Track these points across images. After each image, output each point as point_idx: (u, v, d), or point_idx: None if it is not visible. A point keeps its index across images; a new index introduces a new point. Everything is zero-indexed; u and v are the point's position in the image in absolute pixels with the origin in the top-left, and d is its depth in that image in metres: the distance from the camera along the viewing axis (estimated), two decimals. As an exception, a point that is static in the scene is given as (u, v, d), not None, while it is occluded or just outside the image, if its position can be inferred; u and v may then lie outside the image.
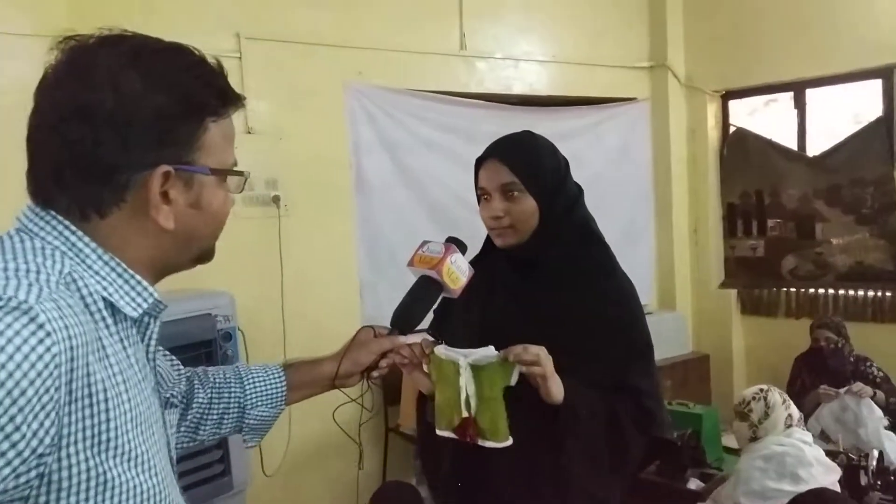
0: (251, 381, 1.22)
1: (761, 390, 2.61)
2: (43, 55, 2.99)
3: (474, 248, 1.70)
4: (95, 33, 0.83)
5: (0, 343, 0.66)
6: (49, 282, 0.74)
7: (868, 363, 3.71)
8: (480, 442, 1.30)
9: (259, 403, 1.21)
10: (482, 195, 1.49)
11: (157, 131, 0.80)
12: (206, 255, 0.92)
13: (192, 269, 0.93)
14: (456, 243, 1.32)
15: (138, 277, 0.82)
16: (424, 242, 1.33)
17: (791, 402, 2.61)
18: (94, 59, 0.80)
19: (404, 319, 1.28)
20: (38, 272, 0.74)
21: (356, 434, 3.55)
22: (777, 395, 2.58)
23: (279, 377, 1.24)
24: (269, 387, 1.23)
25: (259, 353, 3.11)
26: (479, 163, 1.50)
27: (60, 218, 0.80)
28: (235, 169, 0.90)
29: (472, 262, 1.61)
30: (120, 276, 0.81)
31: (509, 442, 1.28)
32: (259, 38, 3.34)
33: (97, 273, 0.79)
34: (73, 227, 0.80)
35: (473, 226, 1.59)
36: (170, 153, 0.81)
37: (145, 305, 0.83)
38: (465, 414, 1.30)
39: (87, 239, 0.80)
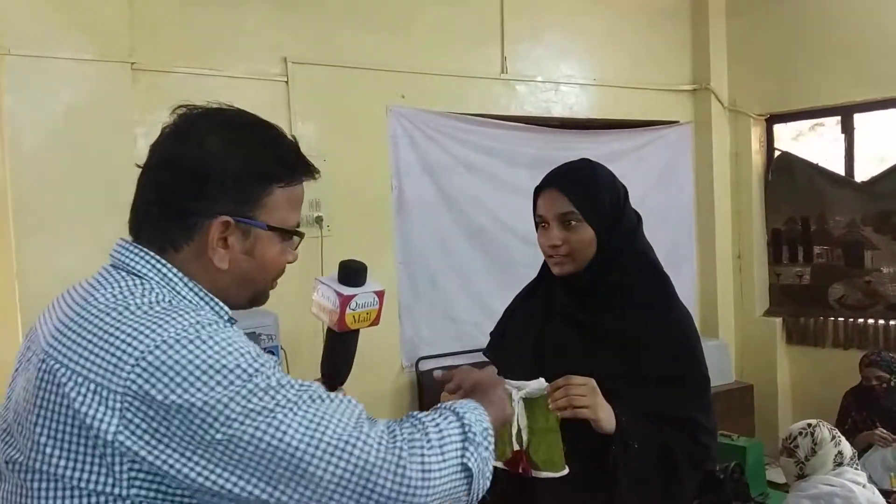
0: None
1: (809, 425, 2.53)
2: (106, 80, 3.10)
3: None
4: (204, 105, 1.02)
5: (234, 343, 0.88)
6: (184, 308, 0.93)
7: None
8: (535, 473, 1.30)
9: None
10: (540, 223, 1.50)
11: (227, 188, 0.96)
12: (259, 298, 1.06)
13: None
14: (349, 274, 1.20)
15: (217, 299, 0.99)
16: (318, 282, 1.22)
17: (842, 439, 2.51)
18: (192, 123, 0.99)
19: (336, 378, 1.24)
20: (161, 304, 0.92)
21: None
22: (826, 431, 2.50)
23: None
24: None
25: (300, 373, 3.11)
26: (538, 191, 1.51)
27: (150, 251, 0.97)
28: (292, 229, 1.03)
29: (530, 289, 1.61)
30: (202, 299, 0.98)
31: (565, 471, 1.28)
32: (305, 62, 3.42)
33: (185, 297, 0.96)
34: (164, 261, 0.96)
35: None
36: (234, 207, 0.97)
37: (223, 321, 0.98)
38: (515, 447, 1.30)
39: (175, 270, 0.97)
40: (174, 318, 0.88)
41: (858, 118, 4.42)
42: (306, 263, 3.39)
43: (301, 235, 1.06)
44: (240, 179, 0.96)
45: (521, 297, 1.64)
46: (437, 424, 0.95)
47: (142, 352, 0.84)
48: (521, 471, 1.30)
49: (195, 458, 0.84)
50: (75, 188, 2.78)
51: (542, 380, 1.31)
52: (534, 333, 1.51)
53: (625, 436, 1.33)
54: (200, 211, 0.96)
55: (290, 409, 0.85)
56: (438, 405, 1.03)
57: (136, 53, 2.98)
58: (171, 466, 0.84)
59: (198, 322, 0.88)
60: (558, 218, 1.46)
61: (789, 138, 4.79)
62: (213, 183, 0.95)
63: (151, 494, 0.86)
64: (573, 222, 1.45)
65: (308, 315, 3.77)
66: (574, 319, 1.48)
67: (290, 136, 1.04)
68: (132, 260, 0.97)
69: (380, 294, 1.22)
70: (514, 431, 1.30)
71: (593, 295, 1.47)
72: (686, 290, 4.69)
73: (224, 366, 0.85)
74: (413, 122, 3.73)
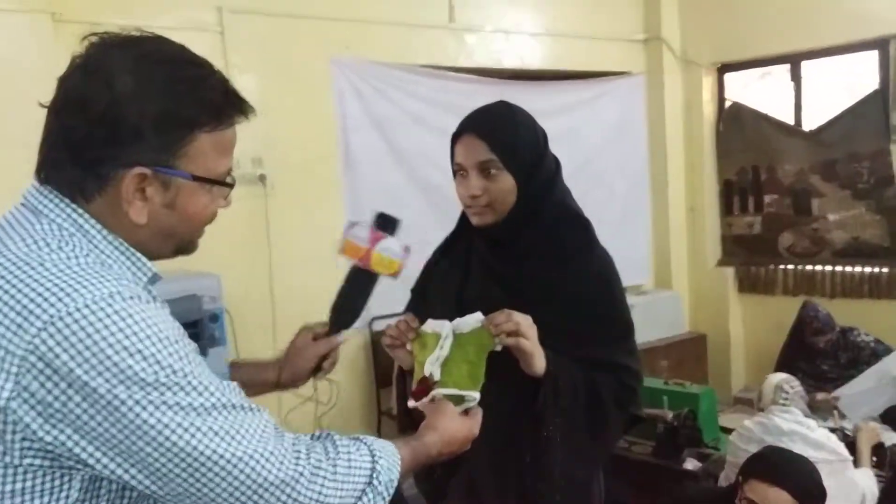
0: None
1: (764, 379, 2.77)
2: (26, 31, 2.88)
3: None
4: (120, 33, 0.90)
5: (155, 325, 0.82)
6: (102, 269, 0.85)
7: (855, 331, 3.73)
8: (437, 390, 1.22)
9: None
10: (458, 171, 1.43)
11: (142, 135, 0.85)
12: (185, 249, 0.98)
13: None
14: (385, 221, 1.25)
15: (138, 254, 0.91)
16: (352, 224, 1.24)
17: (790, 386, 2.67)
18: (103, 58, 0.87)
19: (342, 317, 1.24)
20: (78, 261, 0.84)
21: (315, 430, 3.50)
22: (772, 381, 2.69)
23: (223, 374, 1.25)
24: None
25: (247, 335, 3.05)
26: (456, 137, 1.44)
27: (63, 197, 0.87)
28: (221, 180, 0.93)
29: (449, 241, 1.58)
30: (122, 253, 0.89)
31: (476, 395, 1.22)
32: (242, 11, 3.25)
33: (102, 251, 0.88)
34: (80, 209, 0.87)
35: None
36: (151, 156, 0.87)
37: (145, 279, 0.92)
38: (426, 374, 1.25)
39: (92, 221, 0.88)
40: (92, 283, 0.80)
41: (806, 66, 4.44)
42: (251, 224, 3.29)
43: (230, 186, 0.95)
44: (157, 126, 0.85)
45: (440, 250, 1.59)
46: (349, 457, 0.95)
47: (51, 315, 0.77)
48: (415, 397, 1.24)
49: (89, 438, 0.80)
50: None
51: (478, 313, 1.28)
52: (455, 286, 1.47)
53: (555, 377, 1.32)
54: (112, 160, 0.85)
55: (200, 414, 0.82)
56: (359, 437, 1.01)
57: (57, 3, 2.78)
58: (62, 444, 0.79)
59: (118, 292, 0.81)
60: (477, 166, 1.38)
61: (740, 88, 4.80)
62: (126, 129, 0.84)
63: (47, 464, 0.80)
64: (493, 171, 1.37)
65: (255, 276, 3.68)
66: (494, 271, 1.44)
67: (218, 72, 0.92)
68: (44, 205, 0.87)
69: (407, 251, 1.23)
70: (433, 358, 1.25)
71: (513, 245, 1.43)
72: (640, 243, 4.72)
73: (139, 350, 0.79)
74: (359, 74, 3.60)
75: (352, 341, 3.71)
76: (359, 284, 1.23)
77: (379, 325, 3.68)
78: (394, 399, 3.48)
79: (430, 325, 1.31)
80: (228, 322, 2.90)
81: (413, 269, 1.66)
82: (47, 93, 3.03)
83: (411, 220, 4.50)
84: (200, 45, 0.93)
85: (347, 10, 3.51)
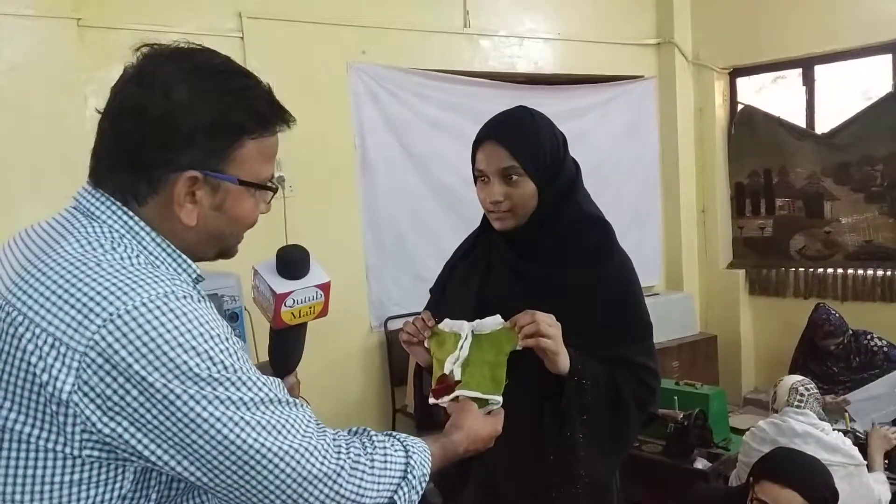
0: None
1: (779, 380, 2.74)
2: (50, 37, 2.96)
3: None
4: (172, 44, 0.94)
5: (206, 323, 0.86)
6: (154, 271, 0.88)
7: (868, 335, 3.73)
8: (461, 392, 1.24)
9: None
10: (480, 177, 1.45)
11: (194, 140, 0.90)
12: (226, 252, 1.03)
13: None
14: (288, 265, 1.11)
15: (184, 256, 0.95)
16: (255, 272, 1.14)
17: (805, 388, 2.65)
18: (158, 68, 0.91)
19: (283, 368, 1.19)
20: (131, 261, 0.88)
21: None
22: (788, 382, 2.67)
23: None
24: None
25: (265, 334, 3.09)
26: (477, 144, 1.45)
27: (115, 201, 0.91)
28: (265, 184, 0.98)
29: (470, 242, 1.59)
30: (169, 255, 0.93)
31: (498, 399, 1.23)
32: (261, 17, 3.31)
33: (151, 253, 0.92)
34: (131, 213, 0.91)
35: (480, 206, 1.56)
36: (202, 160, 0.91)
37: (191, 280, 0.96)
38: (445, 372, 1.26)
39: (142, 223, 0.92)
40: (147, 282, 0.84)
41: (819, 70, 4.45)
42: (270, 225, 3.35)
43: (274, 189, 1.01)
44: (208, 132, 0.90)
45: (461, 251, 1.61)
46: (385, 453, 0.98)
47: (110, 313, 0.81)
48: (435, 395, 1.25)
49: (144, 431, 0.83)
50: (21, 149, 2.68)
51: (497, 316, 1.30)
52: (475, 286, 1.49)
53: (579, 374, 1.34)
54: (166, 164, 0.90)
55: (249, 408, 0.86)
56: (392, 433, 1.04)
57: (81, 9, 2.86)
58: (120, 436, 0.83)
59: (172, 292, 0.85)
60: (499, 173, 1.40)
61: (752, 91, 4.81)
62: (179, 135, 0.89)
63: (104, 455, 0.84)
64: (514, 177, 1.40)
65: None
66: (515, 271, 1.46)
67: (264, 83, 0.97)
68: (97, 208, 0.91)
69: (324, 287, 1.11)
70: (452, 359, 1.27)
71: (534, 246, 1.45)
72: (652, 245, 4.75)
73: (193, 347, 0.83)
74: (375, 79, 3.66)
75: (366, 340, 3.77)
76: (286, 339, 1.16)
77: (394, 325, 3.74)
78: (410, 396, 3.55)
79: (448, 324, 1.34)
80: (248, 321, 2.96)
81: (432, 270, 1.70)
82: (71, 97, 3.14)
83: (426, 221, 4.57)
84: (221, 50, 0.97)
85: (364, 16, 3.57)
